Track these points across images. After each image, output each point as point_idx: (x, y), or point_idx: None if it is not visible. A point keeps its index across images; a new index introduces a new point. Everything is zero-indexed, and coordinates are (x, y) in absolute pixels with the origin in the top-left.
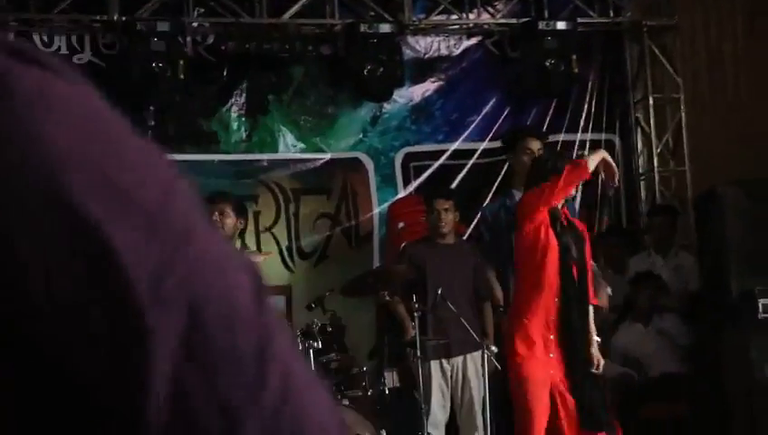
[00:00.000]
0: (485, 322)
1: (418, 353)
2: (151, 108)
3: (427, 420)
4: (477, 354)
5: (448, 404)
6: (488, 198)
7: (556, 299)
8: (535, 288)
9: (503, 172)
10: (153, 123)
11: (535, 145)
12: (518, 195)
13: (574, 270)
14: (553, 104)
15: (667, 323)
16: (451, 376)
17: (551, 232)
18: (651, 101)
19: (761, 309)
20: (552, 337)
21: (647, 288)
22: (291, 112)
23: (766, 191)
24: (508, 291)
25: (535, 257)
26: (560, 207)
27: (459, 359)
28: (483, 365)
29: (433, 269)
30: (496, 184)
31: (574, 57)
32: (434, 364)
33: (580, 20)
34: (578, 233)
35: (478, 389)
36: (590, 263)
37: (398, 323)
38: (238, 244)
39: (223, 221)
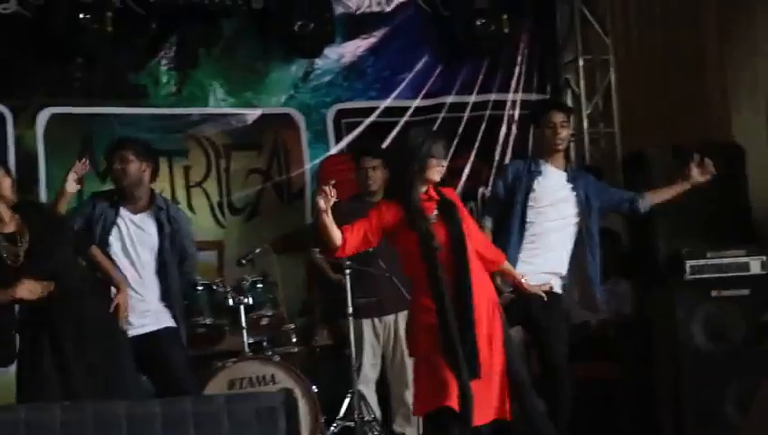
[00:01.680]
0: None
1: (350, 311)
2: (79, 60)
3: (357, 377)
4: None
5: (379, 362)
6: None
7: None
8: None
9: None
10: (80, 76)
11: (559, 118)
12: (543, 165)
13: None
14: (485, 64)
15: (619, 288)
16: (383, 334)
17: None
18: (581, 63)
19: (687, 271)
20: None
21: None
22: (221, 67)
23: (693, 154)
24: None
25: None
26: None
27: (391, 317)
28: None
29: None
30: None
31: (505, 17)
32: (366, 323)
33: None
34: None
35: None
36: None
37: (329, 281)
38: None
39: (125, 168)
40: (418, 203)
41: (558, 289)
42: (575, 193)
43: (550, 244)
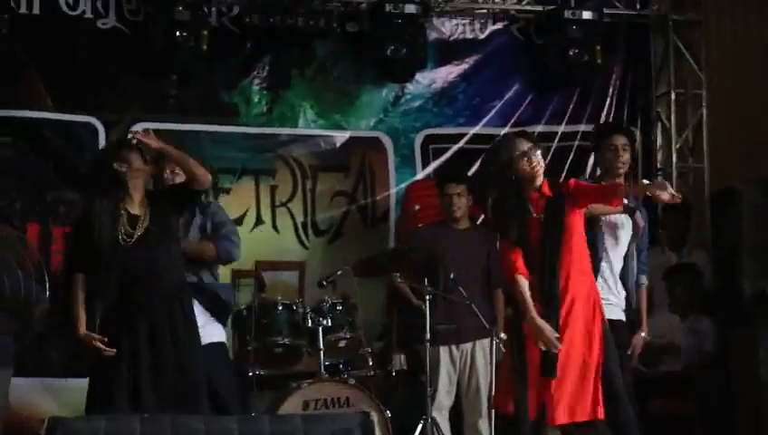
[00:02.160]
0: (496, 309)
1: (428, 337)
2: (173, 77)
3: (432, 403)
4: (486, 341)
5: (454, 390)
6: None
7: None
8: None
9: None
10: (174, 93)
11: (620, 141)
12: None
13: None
14: (576, 94)
15: (701, 325)
16: (459, 362)
17: None
18: (673, 96)
19: None
20: None
21: (684, 280)
22: (312, 88)
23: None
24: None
25: None
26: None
27: (469, 345)
28: (491, 352)
29: (445, 253)
30: None
31: (598, 48)
32: (443, 350)
33: (606, 11)
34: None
35: (485, 376)
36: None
37: (409, 307)
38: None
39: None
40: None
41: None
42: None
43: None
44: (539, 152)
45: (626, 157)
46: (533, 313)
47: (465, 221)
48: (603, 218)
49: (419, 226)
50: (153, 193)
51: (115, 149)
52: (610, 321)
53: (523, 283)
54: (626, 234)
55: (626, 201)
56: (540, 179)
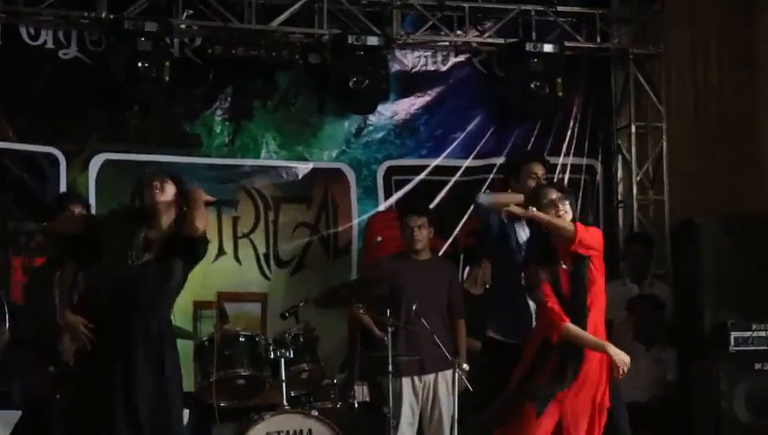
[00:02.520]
0: (458, 339)
1: (390, 368)
2: (135, 108)
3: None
4: (449, 372)
5: (416, 421)
6: (465, 216)
7: None
8: None
9: (482, 190)
10: (136, 123)
11: (540, 169)
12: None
13: None
14: (537, 126)
15: (665, 355)
16: (422, 393)
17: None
18: (633, 129)
19: (732, 342)
20: None
21: (646, 311)
22: (275, 119)
23: (743, 225)
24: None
25: None
26: None
27: (431, 376)
28: (453, 383)
29: (407, 285)
30: None
31: (559, 81)
32: (405, 381)
33: (567, 44)
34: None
35: (448, 407)
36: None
37: (370, 337)
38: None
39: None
40: None
41: None
42: None
43: None
44: (567, 202)
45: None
46: (609, 345)
47: (427, 253)
48: None
49: (381, 257)
50: (173, 233)
51: (156, 177)
52: None
53: (574, 327)
54: None
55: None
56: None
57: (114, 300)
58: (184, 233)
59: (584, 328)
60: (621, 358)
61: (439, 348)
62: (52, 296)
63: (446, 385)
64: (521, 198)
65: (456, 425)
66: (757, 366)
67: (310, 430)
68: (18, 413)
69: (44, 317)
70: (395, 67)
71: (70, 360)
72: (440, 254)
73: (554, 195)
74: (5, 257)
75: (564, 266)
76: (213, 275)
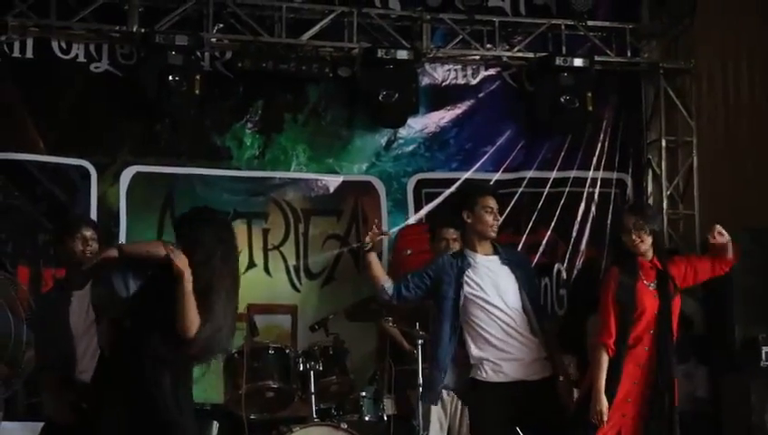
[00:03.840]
0: None
1: (420, 382)
2: (166, 121)
3: None
4: None
5: (445, 434)
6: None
7: None
8: None
9: (511, 204)
10: (166, 136)
11: (493, 203)
12: (473, 255)
13: None
14: (568, 140)
15: (696, 371)
16: (450, 407)
17: None
18: (664, 143)
19: (763, 357)
20: None
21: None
22: (305, 132)
23: None
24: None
25: None
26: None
27: None
28: None
29: None
30: (504, 215)
31: (590, 95)
32: None
33: (597, 58)
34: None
35: None
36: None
37: (399, 350)
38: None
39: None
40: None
41: None
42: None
43: None
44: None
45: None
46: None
47: None
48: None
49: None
50: None
51: None
52: None
53: (605, 357)
54: None
55: None
56: (650, 253)
57: None
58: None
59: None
60: (600, 410)
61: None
62: (66, 321)
63: None
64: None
65: None
66: None
67: None
68: None
69: (61, 343)
70: (425, 80)
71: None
72: None
73: (637, 222)
74: (36, 270)
75: (646, 283)
76: (243, 287)
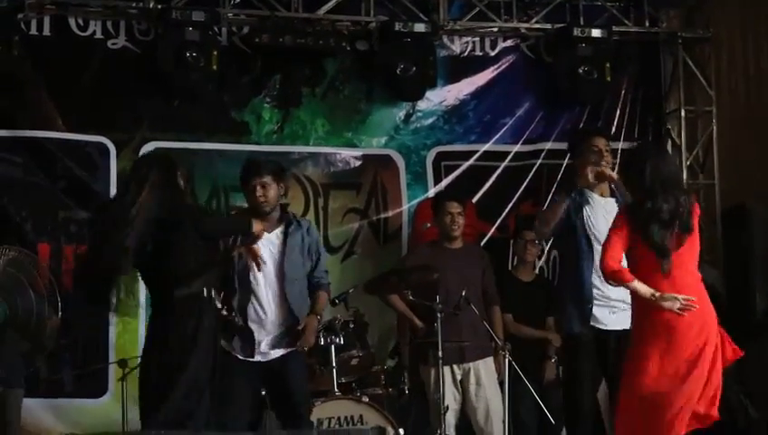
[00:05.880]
0: (495, 326)
1: (440, 355)
2: (184, 96)
3: (443, 420)
4: (489, 360)
5: (458, 407)
6: (513, 200)
7: None
8: None
9: (530, 175)
10: (185, 112)
11: (602, 143)
12: (589, 194)
13: None
14: (586, 111)
15: None
16: (461, 381)
17: None
18: (683, 113)
19: None
20: None
21: None
22: (323, 106)
23: None
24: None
25: None
26: None
27: (470, 364)
28: (497, 371)
29: (445, 273)
30: (523, 186)
31: (608, 65)
32: (445, 369)
33: (615, 28)
34: None
35: (496, 395)
36: None
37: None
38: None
39: (266, 194)
40: None
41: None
42: None
43: None
44: None
45: (609, 157)
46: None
47: (460, 241)
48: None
49: (417, 245)
50: None
51: None
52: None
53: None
54: None
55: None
56: None
57: None
58: None
59: None
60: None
61: (480, 336)
62: None
63: (487, 373)
64: None
65: (506, 412)
66: None
67: (360, 416)
68: (69, 401)
69: None
70: (443, 53)
71: None
72: (488, 238)
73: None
74: (57, 246)
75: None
76: None
